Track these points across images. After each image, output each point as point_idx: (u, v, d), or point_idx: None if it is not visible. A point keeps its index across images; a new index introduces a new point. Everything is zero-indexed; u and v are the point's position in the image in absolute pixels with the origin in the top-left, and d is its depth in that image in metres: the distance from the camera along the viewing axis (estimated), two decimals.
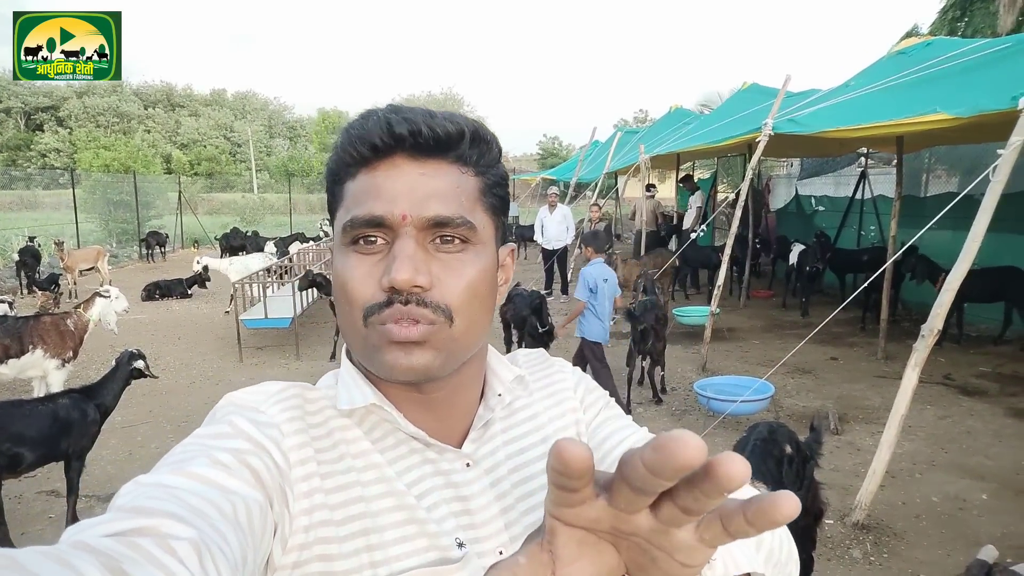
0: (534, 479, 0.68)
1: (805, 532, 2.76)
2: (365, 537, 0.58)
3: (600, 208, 8.59)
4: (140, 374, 4.20)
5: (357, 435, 0.63)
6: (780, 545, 0.64)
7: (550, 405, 0.75)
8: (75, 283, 11.63)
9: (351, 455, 0.62)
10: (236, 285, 7.94)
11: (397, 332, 0.59)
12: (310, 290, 8.35)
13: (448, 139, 0.61)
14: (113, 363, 4.12)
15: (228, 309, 9.93)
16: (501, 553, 0.63)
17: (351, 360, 0.68)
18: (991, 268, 6.69)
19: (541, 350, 0.83)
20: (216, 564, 0.43)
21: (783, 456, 2.65)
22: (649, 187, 11.57)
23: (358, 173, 0.62)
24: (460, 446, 0.67)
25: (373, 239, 0.60)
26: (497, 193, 0.66)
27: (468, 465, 0.66)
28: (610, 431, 0.74)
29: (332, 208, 0.66)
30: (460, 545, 0.61)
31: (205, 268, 11.02)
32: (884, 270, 5.49)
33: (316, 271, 7.67)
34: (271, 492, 0.54)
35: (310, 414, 0.63)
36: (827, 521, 3.68)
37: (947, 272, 6.98)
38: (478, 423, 0.68)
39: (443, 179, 0.61)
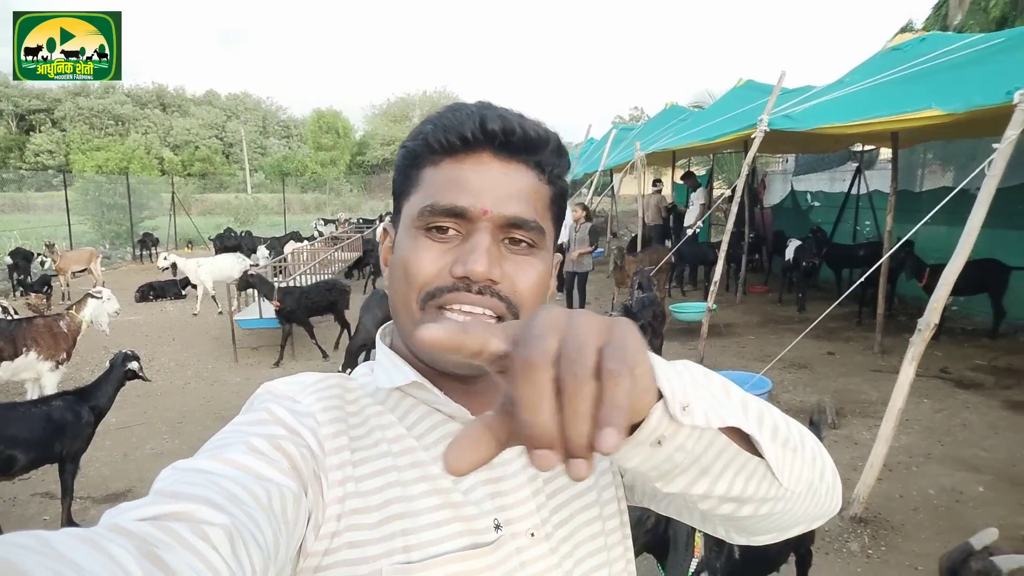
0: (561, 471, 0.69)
1: None
2: (400, 521, 0.59)
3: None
4: (134, 375, 4.16)
5: (391, 420, 0.64)
6: (790, 429, 0.57)
7: None
8: (68, 285, 11.56)
9: (386, 440, 0.63)
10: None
11: (460, 321, 0.57)
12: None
13: (536, 143, 0.63)
14: (107, 364, 4.09)
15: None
16: (533, 535, 0.63)
17: (387, 345, 0.69)
18: (971, 261, 6.69)
19: None
20: (248, 551, 0.44)
21: None
22: (656, 182, 11.56)
23: (442, 161, 0.63)
24: None
25: (446, 228, 0.62)
26: (560, 203, 0.68)
27: None
28: None
29: (402, 189, 0.66)
30: (497, 527, 0.61)
31: (173, 265, 10.87)
32: (880, 265, 5.50)
33: (252, 273, 7.71)
34: (305, 479, 0.55)
35: (348, 403, 0.64)
36: None
37: (930, 268, 7.08)
38: None
39: (524, 181, 0.63)
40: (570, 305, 8.49)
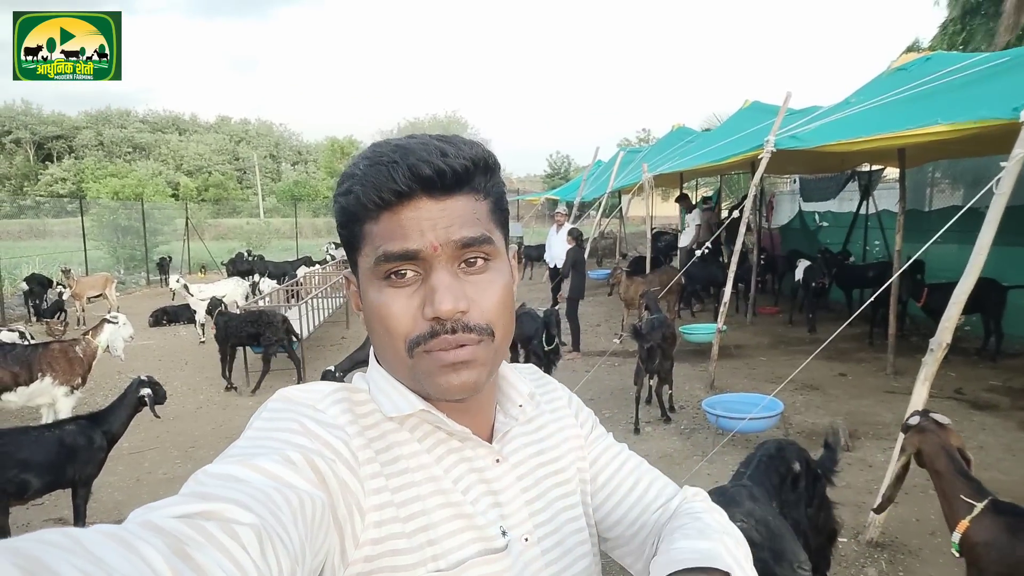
0: (550, 478, 0.77)
1: (819, 552, 2.71)
2: (425, 533, 0.64)
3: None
4: (144, 404, 4.12)
5: (407, 437, 0.68)
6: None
7: (553, 419, 0.83)
8: (83, 310, 11.69)
9: (404, 456, 0.67)
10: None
11: (448, 356, 0.64)
12: (312, 313, 8.39)
13: (466, 174, 0.65)
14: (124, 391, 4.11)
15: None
16: (527, 540, 0.70)
17: (383, 368, 0.72)
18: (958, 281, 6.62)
19: (532, 366, 0.90)
20: (276, 552, 0.45)
21: (788, 473, 2.60)
22: (706, 199, 11.58)
23: (380, 216, 0.64)
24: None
25: (404, 272, 0.64)
26: (502, 207, 0.71)
27: (497, 461, 0.72)
28: (600, 450, 0.84)
29: (351, 245, 0.69)
30: (504, 533, 0.68)
31: (185, 286, 10.74)
32: (890, 284, 5.48)
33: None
34: (334, 493, 0.57)
35: (361, 416, 0.68)
36: (841, 539, 3.63)
37: (929, 287, 6.99)
38: (501, 428, 0.75)
39: (462, 208, 0.65)
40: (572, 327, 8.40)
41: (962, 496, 2.24)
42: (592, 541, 0.79)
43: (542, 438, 0.79)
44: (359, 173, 0.65)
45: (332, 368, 5.86)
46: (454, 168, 0.64)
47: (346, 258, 0.74)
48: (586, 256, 13.46)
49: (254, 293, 11.98)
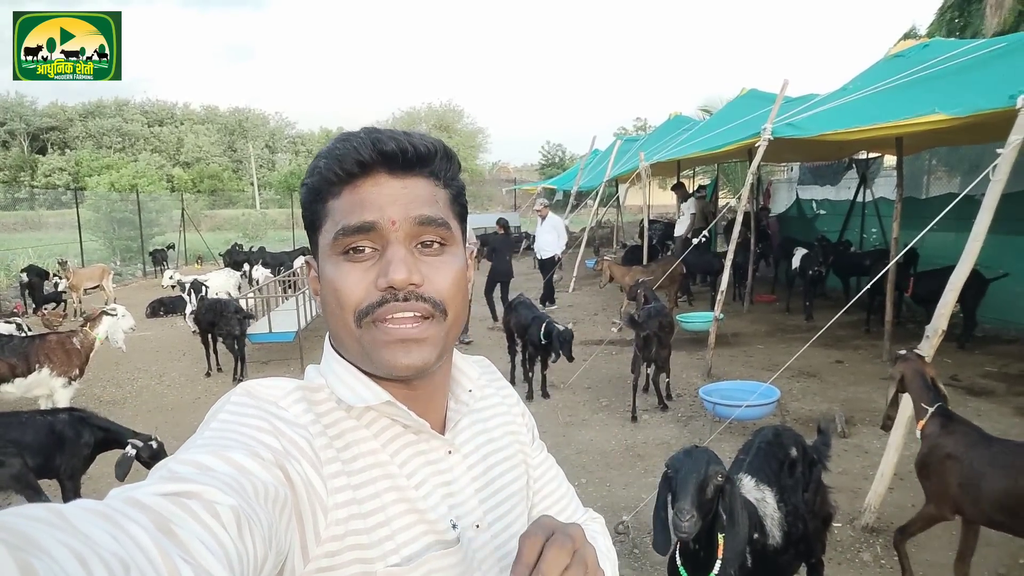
0: (498, 465, 0.79)
1: (815, 535, 2.74)
2: (383, 528, 0.65)
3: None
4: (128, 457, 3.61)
5: (365, 435, 0.68)
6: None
7: (502, 410, 0.85)
8: (80, 301, 11.66)
9: (363, 455, 0.67)
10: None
11: (396, 330, 0.64)
12: (312, 302, 8.37)
13: (427, 155, 0.68)
14: (129, 448, 3.64)
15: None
16: (478, 527, 0.73)
17: (342, 356, 0.71)
18: (943, 268, 6.61)
19: (483, 358, 0.91)
20: (252, 534, 0.46)
21: (786, 459, 2.64)
22: (700, 188, 11.59)
23: (342, 191, 0.66)
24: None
25: (362, 248, 0.65)
26: (460, 201, 0.74)
27: (449, 452, 0.73)
28: (542, 458, 0.89)
29: (314, 225, 0.70)
30: (454, 526, 0.69)
31: (179, 283, 10.74)
32: (887, 272, 5.49)
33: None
34: (299, 491, 0.57)
35: (322, 416, 0.67)
36: (836, 524, 3.65)
37: (915, 276, 6.98)
38: (454, 416, 0.76)
39: (422, 189, 0.68)
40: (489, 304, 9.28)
41: (922, 404, 3.00)
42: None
43: (492, 427, 0.81)
44: (325, 152, 0.68)
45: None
46: (415, 146, 0.66)
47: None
48: (583, 244, 13.51)
49: (250, 284, 11.95)
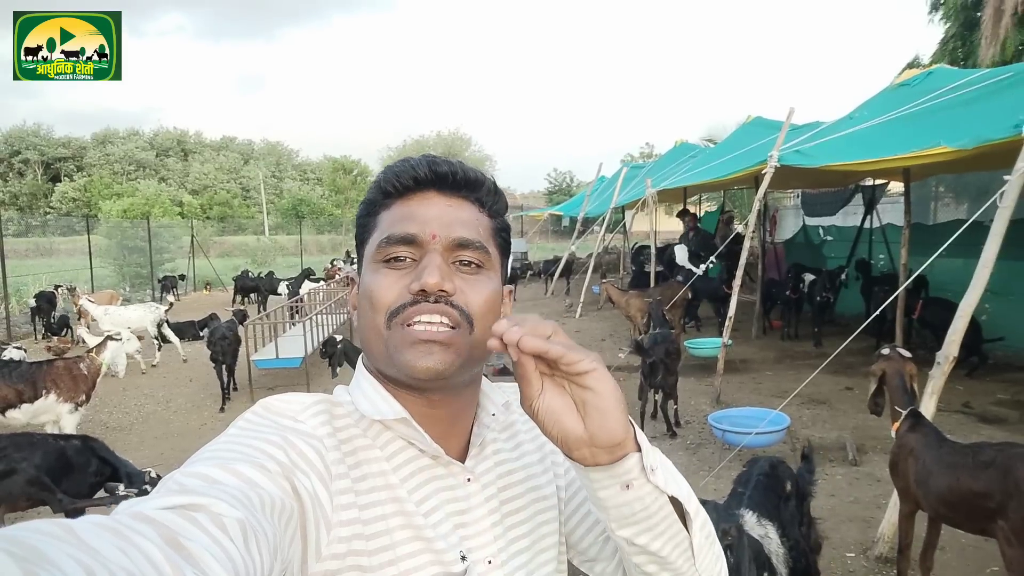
0: (520, 497, 0.76)
1: (807, 571, 2.71)
2: (387, 552, 0.64)
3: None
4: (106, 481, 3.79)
5: (378, 456, 0.68)
6: (710, 528, 0.71)
7: (531, 435, 0.82)
8: (88, 327, 11.70)
9: (372, 475, 0.66)
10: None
11: (421, 332, 0.65)
12: (318, 328, 8.41)
13: (476, 181, 0.73)
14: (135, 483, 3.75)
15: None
16: (490, 563, 0.70)
17: (369, 371, 0.72)
18: (937, 299, 6.52)
19: (516, 384, 0.88)
20: (259, 546, 0.46)
21: (783, 493, 2.64)
22: (724, 211, 11.48)
23: (393, 204, 0.71)
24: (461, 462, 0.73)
25: (403, 258, 0.68)
26: (504, 236, 0.76)
27: (468, 480, 0.72)
28: (578, 484, 0.82)
29: (363, 238, 0.74)
30: (463, 558, 0.67)
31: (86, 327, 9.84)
32: (896, 297, 5.47)
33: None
34: (306, 505, 0.57)
35: (339, 430, 0.67)
36: (849, 555, 3.59)
37: (923, 301, 6.91)
38: (476, 440, 0.74)
39: (467, 212, 0.71)
40: None
41: (896, 407, 3.14)
42: (561, 559, 0.79)
43: (521, 455, 0.79)
44: (385, 169, 0.73)
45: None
46: (466, 171, 0.72)
47: (353, 272, 0.76)
48: (589, 270, 13.52)
49: (261, 309, 11.94)
